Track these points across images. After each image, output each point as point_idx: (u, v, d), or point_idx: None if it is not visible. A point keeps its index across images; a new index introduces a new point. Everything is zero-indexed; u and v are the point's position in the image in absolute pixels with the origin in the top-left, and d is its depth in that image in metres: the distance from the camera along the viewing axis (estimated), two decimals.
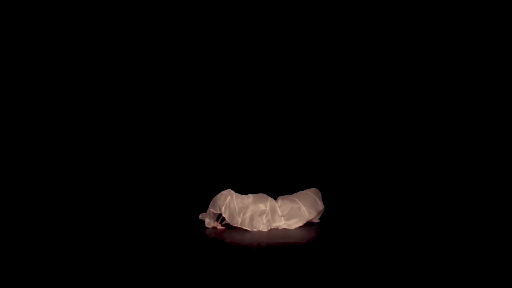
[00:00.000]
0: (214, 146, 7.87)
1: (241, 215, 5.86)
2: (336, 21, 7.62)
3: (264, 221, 5.87)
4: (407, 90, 7.63)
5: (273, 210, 5.94)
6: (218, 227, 6.01)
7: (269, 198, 6.04)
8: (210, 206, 5.98)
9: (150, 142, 7.82)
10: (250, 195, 6.05)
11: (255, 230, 5.82)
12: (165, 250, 4.93)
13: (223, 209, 5.87)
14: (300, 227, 6.00)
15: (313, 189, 6.34)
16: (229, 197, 5.91)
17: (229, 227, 6.00)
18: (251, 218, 5.84)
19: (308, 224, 6.12)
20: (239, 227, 5.88)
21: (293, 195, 6.22)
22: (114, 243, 5.15)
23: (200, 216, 6.25)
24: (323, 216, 6.36)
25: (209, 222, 6.02)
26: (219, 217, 6.06)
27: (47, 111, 7.58)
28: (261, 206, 5.91)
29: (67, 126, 7.64)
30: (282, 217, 5.97)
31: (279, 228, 5.96)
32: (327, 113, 7.85)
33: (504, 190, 6.95)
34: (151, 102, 7.82)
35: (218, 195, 5.96)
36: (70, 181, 7.52)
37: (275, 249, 5.02)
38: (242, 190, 6.16)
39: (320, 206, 6.20)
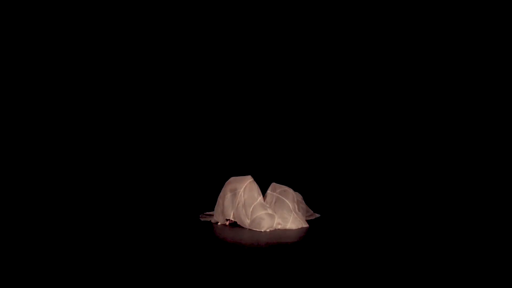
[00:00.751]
0: (210, 144, 7.88)
1: (249, 217, 5.80)
2: (321, 17, 7.64)
3: (274, 224, 5.81)
4: (397, 90, 7.64)
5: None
6: (228, 223, 5.97)
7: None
8: (219, 208, 5.96)
9: (146, 142, 7.82)
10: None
11: (262, 230, 5.75)
12: (164, 250, 4.90)
13: (231, 213, 5.85)
14: (300, 227, 5.95)
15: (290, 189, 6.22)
16: (238, 197, 5.87)
17: (232, 224, 5.98)
18: (261, 218, 5.77)
19: (308, 222, 6.08)
20: (249, 228, 5.82)
21: (277, 193, 6.09)
22: (113, 243, 5.13)
23: (201, 217, 6.24)
24: (324, 215, 6.34)
25: (218, 219, 6.00)
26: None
27: (46, 111, 7.58)
28: (269, 210, 5.85)
29: (65, 126, 7.64)
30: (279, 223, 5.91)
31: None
32: (315, 112, 7.85)
33: (501, 191, 6.94)
34: (148, 102, 7.83)
35: (229, 196, 5.93)
36: (70, 180, 7.52)
37: (275, 249, 5.00)
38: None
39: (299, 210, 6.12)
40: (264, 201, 5.92)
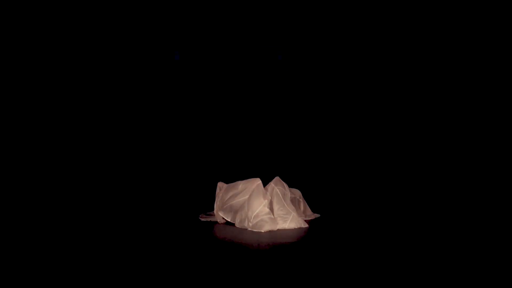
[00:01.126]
0: (210, 145, 7.88)
1: (251, 219, 5.77)
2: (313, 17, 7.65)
3: (275, 228, 5.77)
4: (396, 91, 7.64)
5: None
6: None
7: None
8: (220, 209, 5.95)
9: (146, 142, 7.82)
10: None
11: (263, 231, 5.72)
12: (164, 250, 4.90)
13: (237, 221, 5.84)
14: (299, 227, 5.94)
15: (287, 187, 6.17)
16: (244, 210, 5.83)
17: (228, 223, 5.97)
18: (263, 221, 5.74)
19: (308, 223, 6.08)
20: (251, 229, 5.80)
21: (277, 189, 6.02)
22: (114, 243, 5.13)
23: (200, 217, 6.23)
24: (323, 215, 6.34)
25: (218, 219, 5.99)
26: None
27: (46, 112, 7.58)
28: (271, 215, 5.82)
29: (66, 127, 7.64)
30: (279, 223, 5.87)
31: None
32: (315, 112, 7.86)
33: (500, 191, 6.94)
34: (146, 105, 7.84)
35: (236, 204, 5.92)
36: (70, 181, 7.52)
37: (274, 249, 4.99)
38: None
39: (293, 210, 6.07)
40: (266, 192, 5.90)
